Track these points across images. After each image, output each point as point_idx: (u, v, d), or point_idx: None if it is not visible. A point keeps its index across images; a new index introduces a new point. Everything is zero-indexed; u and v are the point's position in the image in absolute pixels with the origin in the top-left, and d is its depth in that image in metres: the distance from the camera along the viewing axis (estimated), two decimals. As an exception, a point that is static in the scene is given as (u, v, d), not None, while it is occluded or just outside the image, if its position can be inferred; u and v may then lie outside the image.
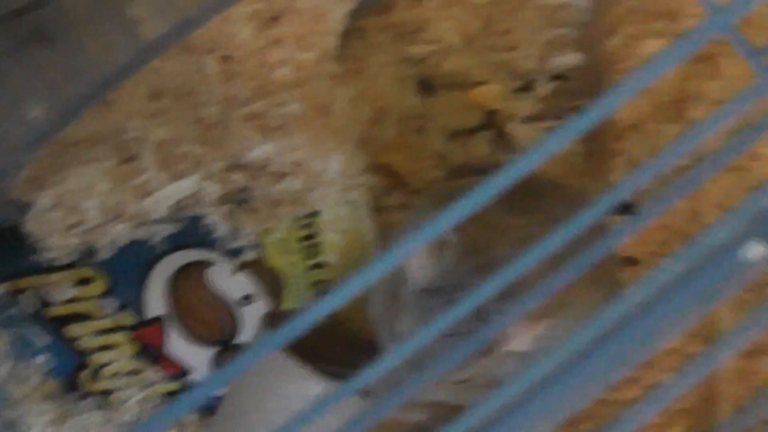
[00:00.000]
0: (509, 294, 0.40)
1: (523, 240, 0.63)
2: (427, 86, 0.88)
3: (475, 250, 0.62)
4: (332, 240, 0.75)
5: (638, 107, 0.87)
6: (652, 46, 0.86)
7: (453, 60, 0.89)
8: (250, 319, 0.74)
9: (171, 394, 0.75)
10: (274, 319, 0.69)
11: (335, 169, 0.75)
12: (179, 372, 0.74)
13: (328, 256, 0.75)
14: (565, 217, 0.69)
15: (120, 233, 0.73)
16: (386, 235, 0.82)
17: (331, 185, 0.76)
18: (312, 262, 0.75)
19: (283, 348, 0.65)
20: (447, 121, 0.87)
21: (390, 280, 0.64)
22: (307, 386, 0.64)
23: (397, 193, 0.84)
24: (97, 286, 0.73)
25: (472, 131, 0.87)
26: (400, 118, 0.86)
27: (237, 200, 0.75)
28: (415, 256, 0.61)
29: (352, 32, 0.85)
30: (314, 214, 0.75)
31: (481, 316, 0.58)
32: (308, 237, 0.75)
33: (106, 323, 0.73)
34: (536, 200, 0.71)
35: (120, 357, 0.73)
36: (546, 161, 0.84)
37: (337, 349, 0.71)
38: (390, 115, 0.85)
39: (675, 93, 0.85)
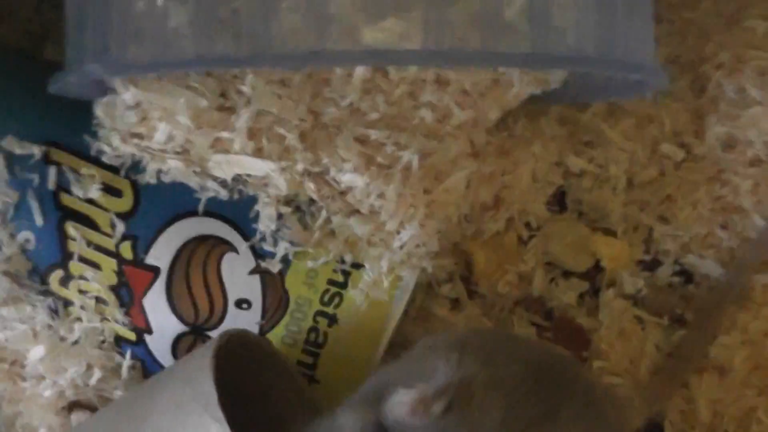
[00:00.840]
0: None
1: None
2: (560, 201, 0.81)
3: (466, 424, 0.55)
4: (355, 300, 0.69)
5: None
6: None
7: (601, 193, 0.81)
8: (233, 323, 0.69)
9: (121, 341, 0.71)
10: (233, 339, 0.64)
11: (406, 239, 0.69)
12: (143, 327, 0.70)
13: (341, 313, 0.69)
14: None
15: (173, 168, 0.68)
16: (419, 323, 0.76)
17: (392, 252, 0.69)
18: (324, 309, 0.69)
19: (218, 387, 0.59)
20: (553, 248, 0.80)
21: (383, 389, 0.57)
22: None
23: (456, 286, 0.78)
24: (122, 204, 0.69)
25: (569, 273, 0.80)
26: (511, 218, 0.79)
27: (297, 208, 0.69)
28: (408, 393, 0.54)
29: (521, 111, 0.78)
30: (358, 266, 0.70)
31: None
32: (337, 283, 0.69)
33: (106, 242, 0.69)
34: (568, 404, 0.63)
35: (98, 280, 0.69)
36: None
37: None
38: (506, 210, 0.78)
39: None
